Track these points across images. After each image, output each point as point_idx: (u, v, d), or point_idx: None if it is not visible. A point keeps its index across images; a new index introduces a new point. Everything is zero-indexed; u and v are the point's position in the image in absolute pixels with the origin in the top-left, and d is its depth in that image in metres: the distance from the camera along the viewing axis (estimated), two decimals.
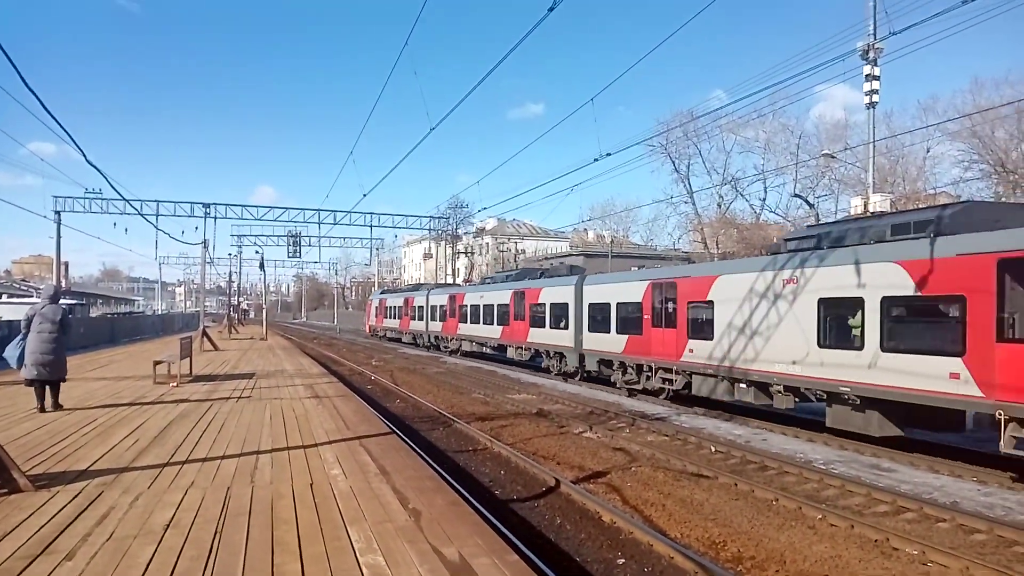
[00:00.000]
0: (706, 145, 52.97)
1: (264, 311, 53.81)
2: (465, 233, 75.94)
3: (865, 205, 30.08)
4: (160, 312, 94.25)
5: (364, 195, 47.53)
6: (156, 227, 42.28)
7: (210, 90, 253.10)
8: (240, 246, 56.03)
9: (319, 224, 50.68)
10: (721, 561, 7.36)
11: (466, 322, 35.01)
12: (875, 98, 29.88)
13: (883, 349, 12.13)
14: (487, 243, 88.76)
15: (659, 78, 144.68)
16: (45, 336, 11.27)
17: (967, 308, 10.87)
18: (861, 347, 12.50)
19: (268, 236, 54.95)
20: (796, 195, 49.36)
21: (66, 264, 69.71)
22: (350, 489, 6.86)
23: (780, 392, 14.39)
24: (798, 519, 8.87)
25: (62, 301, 12.22)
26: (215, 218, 45.06)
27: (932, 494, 10.00)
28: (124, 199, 25.66)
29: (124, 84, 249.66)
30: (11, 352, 11.36)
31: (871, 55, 29.00)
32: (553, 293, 25.66)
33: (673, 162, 54.07)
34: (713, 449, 12.98)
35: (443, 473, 8.44)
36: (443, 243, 74.90)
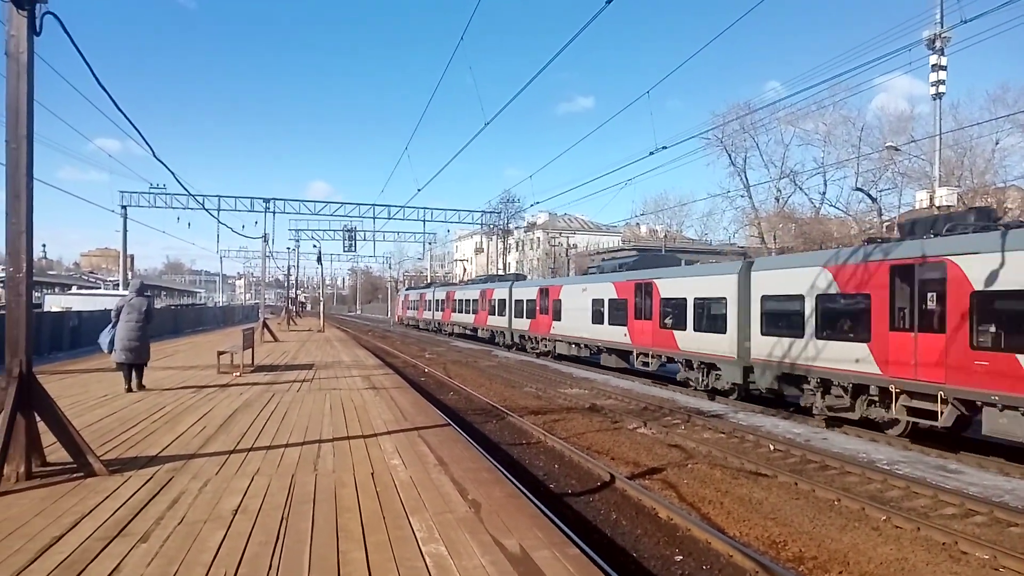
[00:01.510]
0: (763, 138, 51.76)
1: (321, 304, 54.92)
2: (516, 228, 76.07)
3: (931, 199, 29.06)
4: (221, 304, 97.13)
5: (419, 190, 47.67)
6: (218, 221, 43.74)
7: (268, 86, 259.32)
8: (298, 240, 57.52)
9: (374, 219, 51.60)
10: (782, 561, 7.24)
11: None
12: (941, 88, 28.81)
13: (817, 336, 14.99)
14: (538, 238, 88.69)
15: (713, 70, 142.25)
16: (132, 325, 12.71)
17: (871, 304, 13.50)
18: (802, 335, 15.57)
19: (324, 230, 56.31)
20: (858, 188, 47.87)
21: (132, 257, 72.38)
22: (410, 479, 6.96)
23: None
24: (861, 520, 8.65)
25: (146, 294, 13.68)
26: (274, 212, 46.21)
27: (1003, 497, 9.63)
28: (189, 193, 26.60)
29: (184, 81, 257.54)
30: (103, 339, 12.99)
31: (938, 44, 27.96)
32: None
33: (729, 155, 53.00)
34: (772, 447, 12.75)
35: (499, 466, 8.50)
36: (494, 237, 75.16)
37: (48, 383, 7.41)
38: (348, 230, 53.32)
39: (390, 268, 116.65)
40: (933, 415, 12.29)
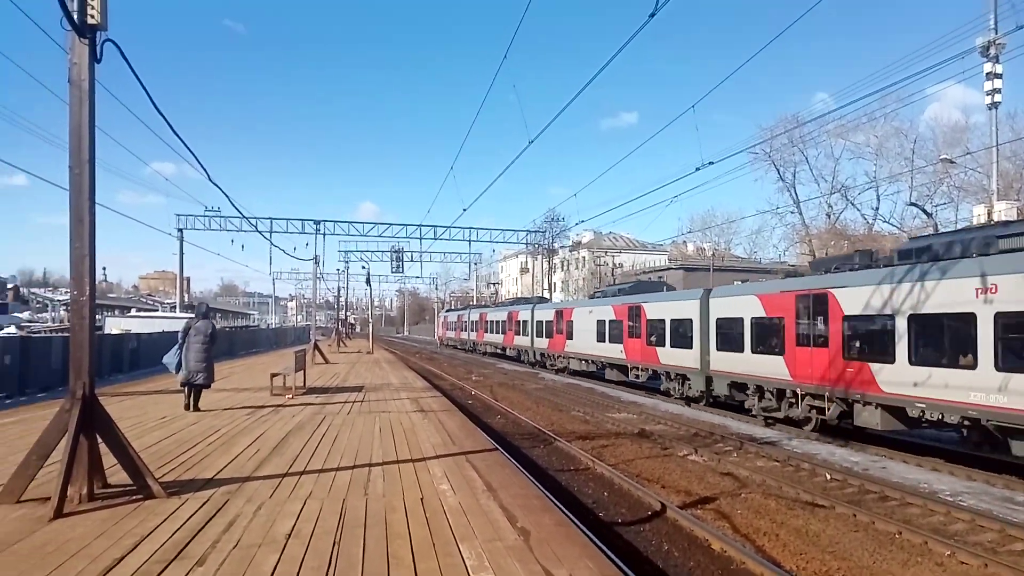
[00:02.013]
0: (813, 152, 50.85)
1: (370, 325, 55.69)
2: (561, 247, 76.02)
3: (989, 213, 28.11)
4: (274, 326, 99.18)
5: (464, 210, 48.19)
6: (271, 243, 44.69)
7: (318, 108, 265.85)
8: (347, 261, 58.36)
9: (420, 239, 52.27)
10: None
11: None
12: (997, 97, 27.96)
13: (752, 351, 18.74)
14: (583, 257, 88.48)
15: (760, 83, 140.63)
16: (199, 347, 13.39)
17: (785, 326, 17.35)
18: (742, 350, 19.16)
19: (373, 251, 57.03)
20: (912, 204, 46.58)
21: (188, 279, 74.54)
22: (459, 505, 6.97)
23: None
24: (924, 555, 8.32)
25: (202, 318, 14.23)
26: (324, 234, 47.21)
27: None
28: (243, 216, 27.28)
29: (235, 104, 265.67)
30: (170, 359, 13.55)
31: (992, 51, 27.18)
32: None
33: (778, 170, 52.16)
34: (828, 477, 12.37)
35: (548, 493, 8.45)
36: (539, 257, 75.24)
37: (108, 405, 7.66)
38: (396, 251, 54.09)
39: (436, 289, 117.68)
40: (824, 411, 15.91)
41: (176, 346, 13.52)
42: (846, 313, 15.33)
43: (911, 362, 13.58)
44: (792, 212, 52.51)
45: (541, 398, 24.24)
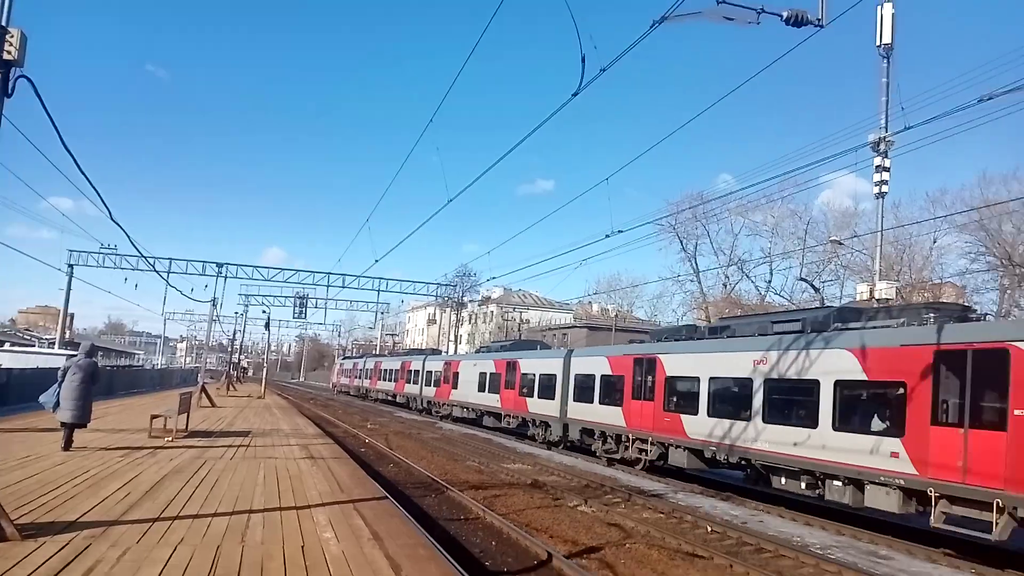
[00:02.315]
0: (714, 227, 53.77)
1: (264, 370, 53.67)
2: (471, 301, 76.26)
3: (871, 292, 30.33)
4: (159, 366, 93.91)
5: (376, 261, 47.92)
6: (168, 283, 42.67)
7: (230, 152, 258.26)
8: (247, 305, 56.39)
9: (327, 287, 51.23)
10: None
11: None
12: (884, 188, 30.43)
13: (600, 403, 22.32)
14: (492, 311, 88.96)
15: (670, 161, 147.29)
16: (76, 384, 12.98)
17: (625, 382, 20.88)
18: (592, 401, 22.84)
19: (276, 296, 55.34)
20: (802, 279, 49.71)
21: (72, 315, 69.90)
22: (342, 554, 6.80)
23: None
24: None
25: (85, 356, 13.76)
26: (226, 277, 45.50)
27: None
28: (141, 255, 26.06)
29: (142, 142, 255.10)
30: (47, 398, 13.16)
31: (882, 147, 29.71)
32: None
33: (681, 241, 54.82)
34: (709, 529, 12.78)
35: (435, 542, 8.35)
36: (448, 310, 75.15)
37: None
38: (300, 297, 52.70)
39: (339, 336, 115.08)
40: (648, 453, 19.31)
41: (56, 384, 13.04)
42: (668, 374, 18.90)
43: (708, 415, 17.00)
44: (691, 280, 55.21)
45: (437, 447, 23.96)
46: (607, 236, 22.22)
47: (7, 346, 57.41)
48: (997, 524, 10.36)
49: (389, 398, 51.13)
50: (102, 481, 9.98)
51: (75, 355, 13.83)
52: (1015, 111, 17.88)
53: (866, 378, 13.13)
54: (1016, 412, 10.39)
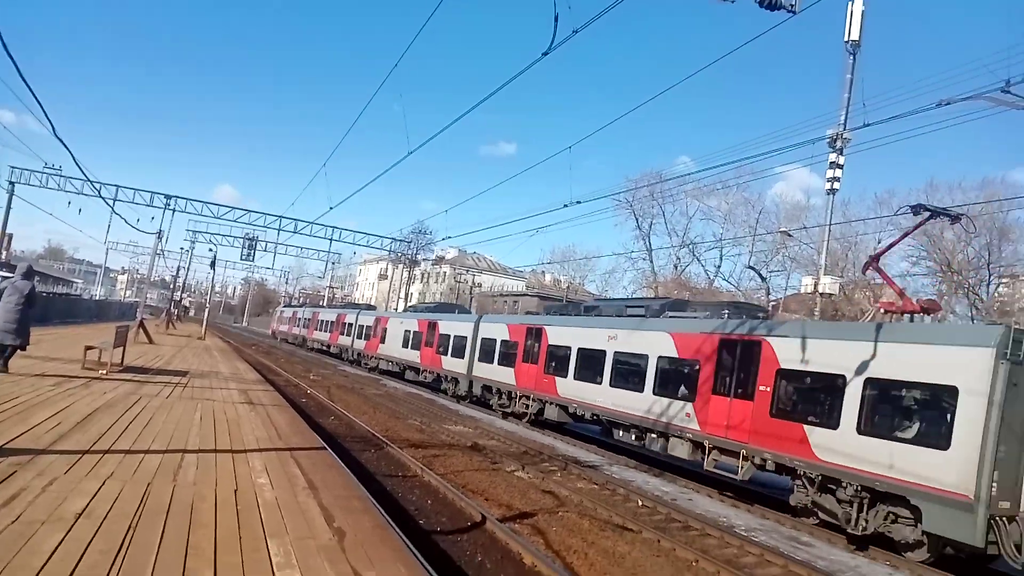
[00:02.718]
0: (670, 208, 54.44)
1: (206, 311, 52.50)
2: (424, 259, 75.74)
3: (815, 285, 31.12)
4: (98, 298, 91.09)
5: (331, 208, 47.66)
6: (113, 211, 41.12)
7: (187, 80, 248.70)
8: (194, 242, 54.84)
9: (279, 231, 50.06)
10: None
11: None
12: (836, 185, 31.03)
13: (498, 364, 25.16)
14: (445, 272, 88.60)
15: (632, 137, 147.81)
16: (12, 307, 12.72)
17: (518, 347, 23.89)
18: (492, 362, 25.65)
19: (224, 235, 53.85)
20: (750, 267, 50.80)
21: (10, 236, 67.05)
22: (275, 500, 6.72)
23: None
24: None
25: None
26: (174, 210, 44.06)
27: (847, 573, 10.24)
28: (87, 179, 24.98)
29: (93, 57, 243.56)
30: None
31: (839, 144, 30.21)
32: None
33: (637, 219, 55.38)
34: (640, 503, 13.08)
35: (370, 495, 8.33)
36: (401, 266, 74.48)
37: None
38: (249, 238, 51.47)
39: (287, 283, 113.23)
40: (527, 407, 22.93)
41: None
42: (550, 343, 22.06)
43: (575, 378, 20.29)
44: (644, 259, 55.87)
45: (380, 404, 23.89)
46: (566, 206, 22.33)
47: None
48: (742, 468, 13.79)
49: (324, 348, 53.46)
50: (31, 409, 9.64)
51: (10, 276, 13.32)
52: (970, 119, 18.40)
53: (677, 356, 16.57)
54: (760, 388, 13.70)
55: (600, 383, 19.04)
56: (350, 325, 46.61)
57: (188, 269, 62.33)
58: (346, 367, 41.94)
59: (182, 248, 61.42)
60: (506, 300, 68.70)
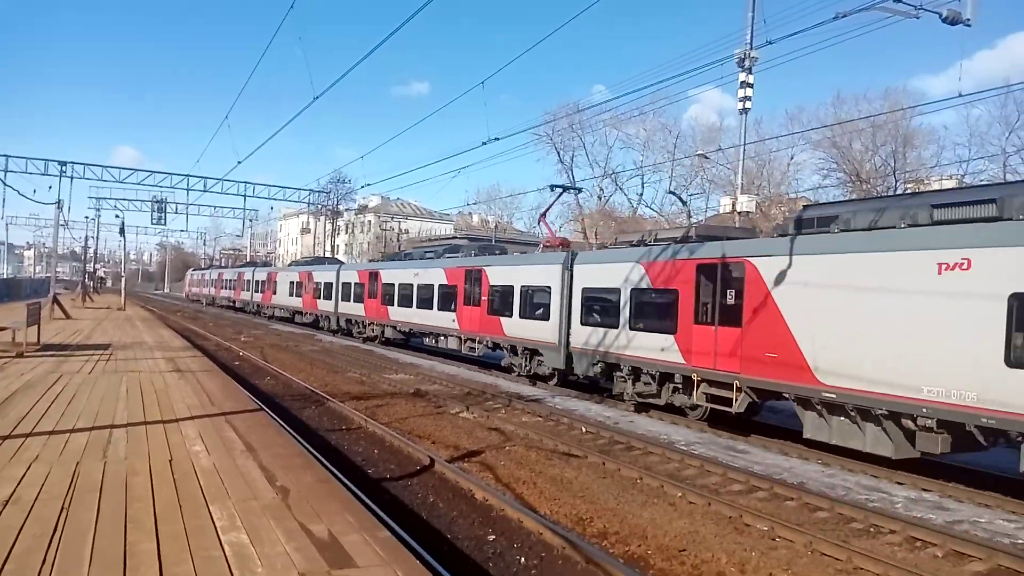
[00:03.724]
0: (590, 138, 54.36)
1: (123, 280, 50.32)
2: (347, 209, 74.06)
3: (733, 204, 31.88)
4: (4, 276, 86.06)
5: (239, 162, 45.44)
6: (4, 183, 38.43)
7: (67, 38, 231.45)
8: (99, 209, 51.97)
9: (188, 190, 47.78)
10: (587, 536, 7.62)
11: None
12: (748, 104, 31.53)
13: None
14: (369, 221, 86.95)
15: (545, 69, 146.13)
16: None
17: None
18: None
19: (131, 200, 51.21)
20: (671, 192, 51.41)
21: None
22: (213, 466, 6.57)
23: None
24: (660, 497, 9.30)
25: None
26: (71, 178, 41.44)
27: (782, 475, 10.76)
28: None
29: None
30: None
31: (747, 63, 30.56)
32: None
33: (558, 152, 55.20)
34: (584, 430, 13.39)
35: (312, 451, 8.24)
36: (323, 218, 72.73)
37: None
38: (157, 201, 49.11)
39: (204, 244, 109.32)
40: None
41: None
42: (384, 281, 24.95)
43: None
44: (568, 192, 55.75)
45: (316, 360, 23.57)
46: (484, 143, 21.96)
47: None
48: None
49: (230, 304, 58.03)
50: None
51: None
52: (867, 31, 18.85)
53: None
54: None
55: (411, 307, 26.09)
56: (249, 281, 51.94)
57: (97, 239, 59.36)
58: (278, 326, 41.11)
59: (87, 217, 58.21)
60: (440, 244, 68.18)
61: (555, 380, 18.86)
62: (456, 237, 63.63)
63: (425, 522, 7.85)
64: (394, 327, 28.21)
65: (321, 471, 6.71)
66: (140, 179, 46.20)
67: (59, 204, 36.46)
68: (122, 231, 48.65)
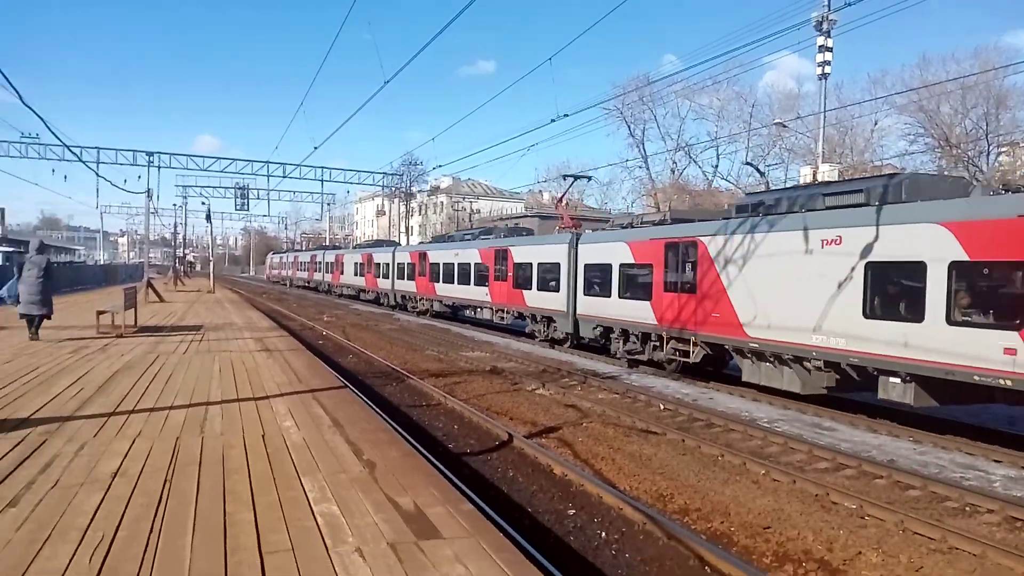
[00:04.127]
0: (661, 111, 53.21)
1: (211, 264, 52.56)
2: (420, 191, 75.00)
3: (814, 174, 30.69)
4: (102, 263, 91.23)
5: (315, 148, 46.08)
6: (97, 174, 40.51)
7: (152, 32, 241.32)
8: (185, 197, 54.28)
9: (268, 177, 49.23)
10: (668, 512, 7.58)
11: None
12: (827, 69, 30.21)
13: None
14: (442, 202, 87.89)
15: (614, 41, 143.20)
16: (32, 280, 13.88)
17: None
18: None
19: (215, 187, 53.22)
20: (747, 163, 49.83)
21: (1, 211, 66.66)
22: (303, 440, 6.82)
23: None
24: (742, 474, 9.15)
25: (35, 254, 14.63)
26: (159, 167, 43.34)
27: (870, 452, 10.41)
28: (63, 144, 24.51)
29: (59, 22, 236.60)
30: (4, 292, 15.17)
31: (825, 26, 29.25)
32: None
33: (629, 126, 54.27)
34: (662, 407, 13.26)
35: (396, 426, 8.45)
36: (396, 200, 73.91)
37: None
38: (240, 188, 50.88)
39: (286, 229, 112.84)
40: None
41: (12, 279, 14.74)
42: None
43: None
44: (640, 167, 54.96)
45: (395, 338, 24.10)
46: (553, 121, 21.78)
47: None
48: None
49: (305, 284, 63.18)
50: (53, 378, 9.75)
51: (15, 250, 14.66)
52: None
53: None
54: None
55: (453, 283, 29.75)
56: (320, 263, 56.58)
57: (185, 225, 62.06)
58: (358, 306, 42.19)
59: (175, 204, 61.01)
60: (506, 223, 68.37)
61: (568, 344, 21.69)
62: (526, 215, 63.68)
63: (506, 496, 7.97)
64: (440, 301, 31.76)
65: (405, 446, 6.88)
66: (223, 167, 47.94)
67: (148, 193, 38.12)
68: (208, 217, 50.73)
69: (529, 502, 7.81)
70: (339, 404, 8.85)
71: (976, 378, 9.89)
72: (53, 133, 15.64)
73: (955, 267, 10.22)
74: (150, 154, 43.48)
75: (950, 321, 10.24)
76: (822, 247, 12.24)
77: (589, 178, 48.28)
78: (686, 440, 10.67)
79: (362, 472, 5.84)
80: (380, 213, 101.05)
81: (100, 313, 16.29)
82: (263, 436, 6.93)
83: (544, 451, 9.49)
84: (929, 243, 10.52)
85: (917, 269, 10.67)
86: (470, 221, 68.26)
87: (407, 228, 77.92)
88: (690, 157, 52.75)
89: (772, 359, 13.46)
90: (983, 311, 10.28)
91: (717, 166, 53.35)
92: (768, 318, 13.33)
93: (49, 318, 14.54)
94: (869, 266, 11.38)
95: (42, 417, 7.38)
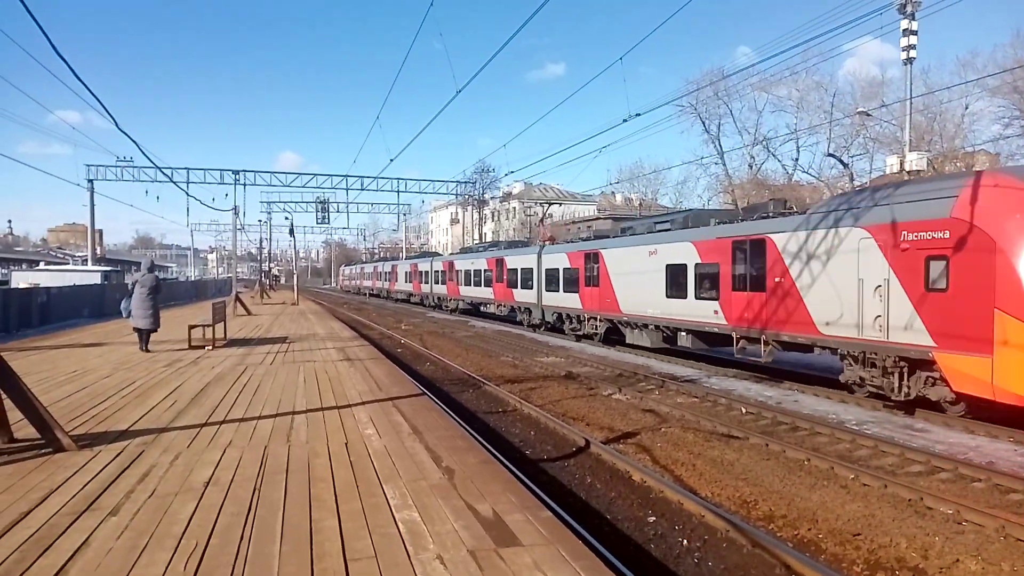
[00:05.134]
0: (737, 104, 51.85)
1: (295, 277, 54.42)
2: (492, 198, 75.62)
3: (901, 164, 29.35)
4: (193, 278, 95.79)
5: (391, 160, 48.08)
6: (187, 194, 42.66)
7: (234, 55, 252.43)
8: (269, 212, 56.69)
9: (347, 190, 51.06)
10: (752, 520, 7.38)
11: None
12: (912, 53, 28.83)
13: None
14: (514, 208, 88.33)
15: (685, 36, 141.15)
16: (144, 297, 15.24)
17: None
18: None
19: (297, 202, 55.64)
20: (830, 154, 48.15)
21: (100, 232, 70.86)
22: (384, 448, 6.97)
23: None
24: (830, 479, 8.82)
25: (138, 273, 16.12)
26: (244, 184, 45.46)
27: (967, 454, 9.88)
28: (156, 166, 26.04)
29: (148, 50, 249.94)
30: (123, 307, 15.74)
31: (909, 8, 27.95)
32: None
33: (703, 122, 53.09)
34: (743, 410, 12.93)
35: (473, 433, 8.53)
36: (470, 208, 74.75)
37: (14, 360, 7.30)
38: (320, 202, 52.66)
39: (364, 240, 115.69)
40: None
41: (126, 297, 15.61)
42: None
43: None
44: (716, 163, 53.63)
45: (471, 345, 24.36)
46: (625, 121, 21.62)
47: (42, 265, 58.64)
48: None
49: (375, 293, 68.33)
50: (148, 391, 10.29)
51: (113, 269, 15.67)
52: None
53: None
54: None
55: (471, 286, 37.78)
56: (379, 273, 65.07)
57: (270, 240, 64.56)
58: (435, 314, 42.89)
59: (259, 220, 63.56)
60: (579, 227, 68.14)
61: (542, 328, 28.99)
62: (598, 218, 63.28)
63: (584, 503, 7.93)
64: (464, 300, 39.30)
65: (483, 452, 6.94)
66: (304, 182, 49.88)
67: (235, 210, 39.91)
68: (291, 231, 52.56)
69: (608, 509, 7.74)
70: (418, 411, 9.00)
71: (706, 328, 17.53)
72: (146, 156, 16.55)
73: (696, 267, 17.92)
74: (236, 172, 45.59)
75: (697, 297, 17.89)
76: (649, 256, 20.12)
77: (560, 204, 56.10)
78: (770, 444, 10.37)
79: (441, 479, 5.92)
80: (454, 221, 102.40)
81: (192, 327, 17.09)
82: (346, 444, 7.12)
83: (622, 457, 9.39)
84: (687, 253, 18.29)
85: (685, 268, 18.39)
86: (540, 225, 68.34)
87: (480, 235, 78.66)
88: (768, 151, 51.09)
89: (639, 327, 20.98)
90: (707, 290, 17.53)
91: (797, 159, 51.59)
92: (630, 300, 21.21)
93: (155, 331, 15.82)
94: (668, 267, 19.14)
95: (139, 429, 7.80)
